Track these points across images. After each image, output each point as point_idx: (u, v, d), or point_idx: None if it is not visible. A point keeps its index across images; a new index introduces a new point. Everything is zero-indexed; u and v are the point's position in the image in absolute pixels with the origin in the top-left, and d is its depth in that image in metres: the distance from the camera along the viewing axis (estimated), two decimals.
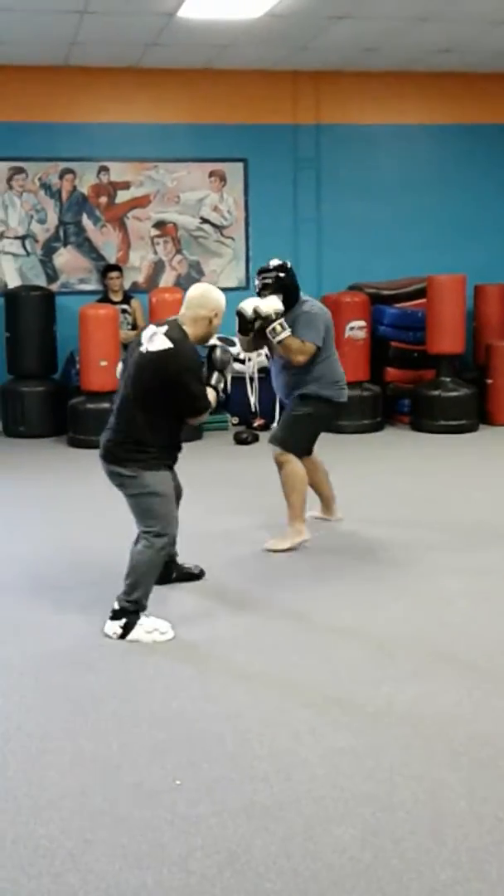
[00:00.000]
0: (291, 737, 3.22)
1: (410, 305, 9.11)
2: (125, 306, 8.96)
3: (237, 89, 9.27)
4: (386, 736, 3.23)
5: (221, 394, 4.51)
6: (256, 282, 5.29)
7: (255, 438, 8.36)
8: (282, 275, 5.16)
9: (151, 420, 4.16)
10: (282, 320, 5.07)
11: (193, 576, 4.79)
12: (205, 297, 4.27)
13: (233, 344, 8.08)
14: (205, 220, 9.50)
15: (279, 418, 8.62)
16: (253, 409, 8.87)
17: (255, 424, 8.73)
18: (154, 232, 9.43)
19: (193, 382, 4.16)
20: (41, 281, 9.16)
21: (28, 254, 9.19)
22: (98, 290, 9.15)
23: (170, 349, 4.12)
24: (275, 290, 5.12)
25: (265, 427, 8.73)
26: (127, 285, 9.18)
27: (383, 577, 4.88)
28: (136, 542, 4.21)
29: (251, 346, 5.46)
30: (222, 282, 9.43)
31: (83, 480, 7.08)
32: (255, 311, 5.10)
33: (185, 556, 4.79)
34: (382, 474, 7.21)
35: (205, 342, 4.36)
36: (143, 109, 9.21)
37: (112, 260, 9.29)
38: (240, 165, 9.48)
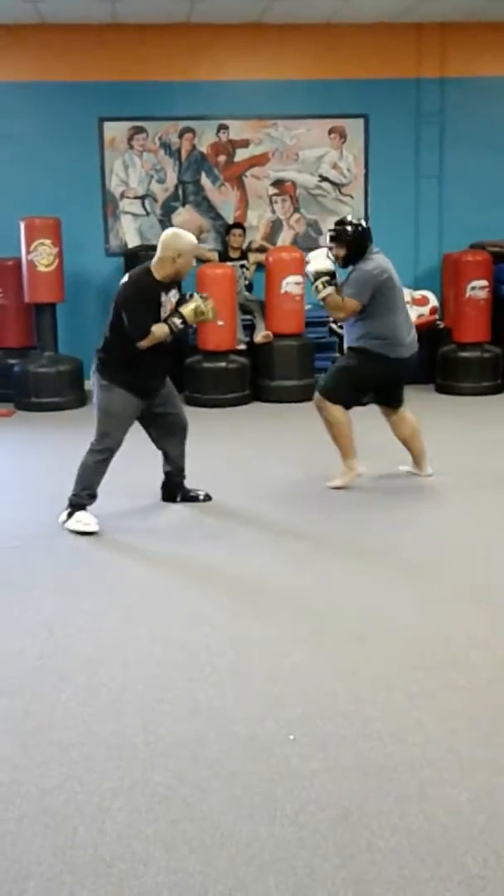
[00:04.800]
0: (405, 698, 3.20)
1: None
2: (244, 262, 8.95)
3: (359, 43, 9.09)
4: (501, 700, 3.17)
5: (176, 330, 4.94)
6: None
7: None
8: (349, 229, 5.43)
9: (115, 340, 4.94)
10: (324, 278, 5.42)
11: (196, 498, 5.38)
12: (169, 239, 4.85)
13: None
14: (324, 178, 9.40)
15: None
16: None
17: None
18: (272, 190, 9.38)
19: (132, 313, 4.82)
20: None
21: (147, 213, 9.26)
22: (216, 250, 9.17)
23: (124, 282, 4.97)
24: (339, 243, 5.42)
25: None
26: (244, 244, 9.16)
27: (501, 541, 4.78)
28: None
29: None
30: None
31: (200, 437, 7.15)
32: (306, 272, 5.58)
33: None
34: (499, 438, 7.05)
35: (176, 280, 4.95)
36: (262, 66, 9.13)
37: (230, 219, 9.28)
38: (360, 122, 9.32)
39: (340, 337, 8.92)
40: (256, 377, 8.46)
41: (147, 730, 3.03)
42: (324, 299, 5.45)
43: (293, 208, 9.43)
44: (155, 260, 4.89)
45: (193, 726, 3.05)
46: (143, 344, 4.84)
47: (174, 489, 5.41)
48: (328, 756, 2.86)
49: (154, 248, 8.83)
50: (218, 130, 9.24)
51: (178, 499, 5.39)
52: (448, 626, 3.79)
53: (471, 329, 8.54)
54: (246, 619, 3.89)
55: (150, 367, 4.96)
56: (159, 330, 4.86)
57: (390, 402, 5.70)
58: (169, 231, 4.98)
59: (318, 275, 5.45)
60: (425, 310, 8.99)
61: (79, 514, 4.93)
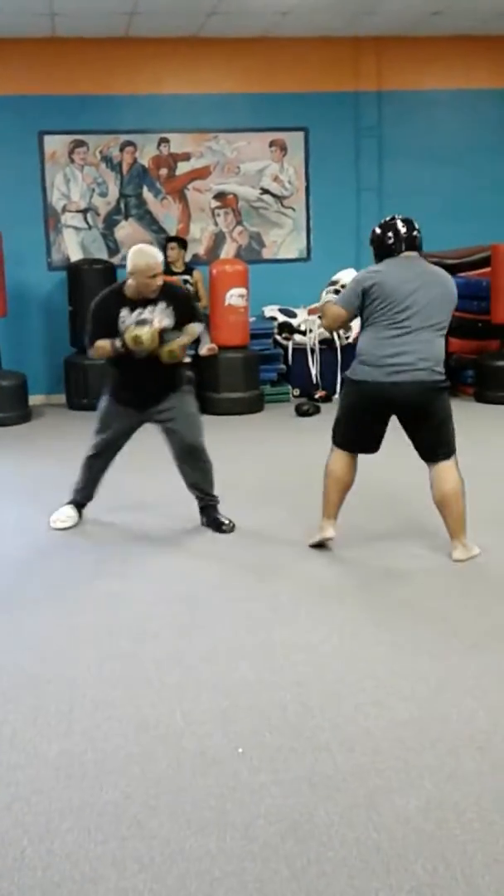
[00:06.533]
0: (354, 708, 3.21)
1: (474, 274, 8.97)
2: (186, 277, 8.96)
3: (298, 57, 9.17)
4: (450, 708, 3.20)
5: (119, 349, 4.86)
6: None
7: (317, 410, 8.33)
8: (375, 230, 4.73)
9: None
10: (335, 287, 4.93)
11: (220, 525, 5.14)
12: (131, 256, 4.83)
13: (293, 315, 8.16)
14: (265, 191, 9.45)
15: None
16: (314, 381, 8.83)
17: (317, 396, 8.70)
18: (214, 203, 9.41)
19: (86, 322, 5.07)
20: (103, 254, 9.21)
21: (90, 227, 9.23)
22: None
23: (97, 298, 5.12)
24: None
25: (327, 399, 8.69)
26: (188, 257, 9.17)
27: (442, 551, 4.83)
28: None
29: None
30: (283, 253, 9.40)
31: (144, 451, 7.12)
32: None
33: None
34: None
35: (143, 294, 4.85)
36: (203, 80, 9.17)
37: (173, 232, 9.28)
38: (300, 135, 9.40)
39: (285, 349, 8.99)
40: (202, 390, 8.46)
41: (95, 748, 3.01)
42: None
43: (236, 221, 9.47)
44: None
45: (142, 743, 3.03)
46: (91, 354, 5.03)
47: (200, 510, 5.20)
48: (277, 768, 2.86)
49: (97, 261, 8.96)
50: (159, 144, 9.25)
51: (202, 521, 5.18)
52: (395, 636, 3.82)
53: None
54: (193, 633, 3.88)
55: (133, 380, 4.98)
56: (101, 345, 4.89)
57: (417, 449, 4.66)
58: (133, 247, 4.94)
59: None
60: None
61: (60, 509, 5.23)
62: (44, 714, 3.22)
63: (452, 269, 8.99)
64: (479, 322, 8.87)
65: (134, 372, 4.94)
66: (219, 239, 9.46)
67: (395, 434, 4.68)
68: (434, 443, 4.60)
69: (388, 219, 4.75)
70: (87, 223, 9.24)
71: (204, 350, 8.50)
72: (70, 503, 5.25)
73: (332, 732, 3.06)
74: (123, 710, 3.24)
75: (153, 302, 4.89)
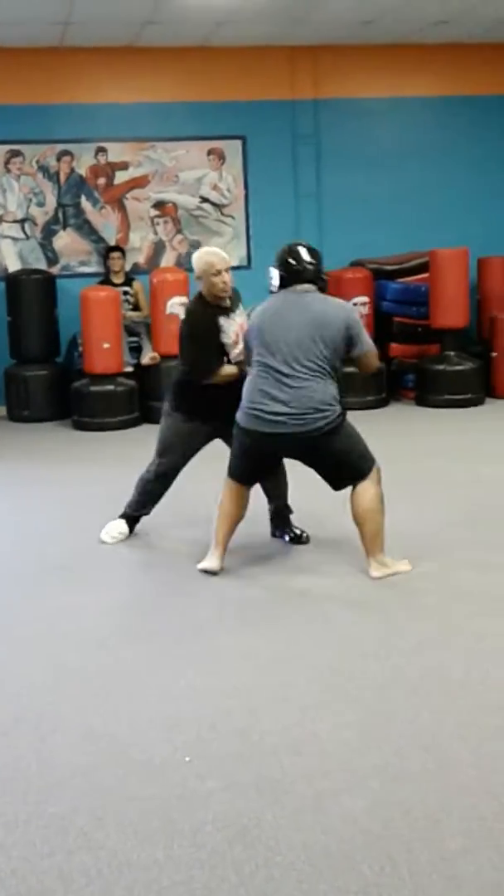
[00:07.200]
0: (299, 711, 3.22)
1: (413, 280, 9.08)
2: (127, 288, 8.94)
3: (234, 66, 9.21)
4: (394, 708, 3.23)
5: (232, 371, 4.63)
6: None
7: None
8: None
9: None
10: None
11: (296, 537, 4.94)
12: (194, 261, 4.69)
13: None
14: (204, 199, 9.46)
15: None
16: None
17: None
18: (153, 212, 9.39)
19: (186, 346, 4.67)
20: (41, 264, 9.14)
21: (27, 237, 9.16)
22: (99, 273, 9.13)
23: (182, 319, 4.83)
24: None
25: None
26: (128, 266, 9.15)
27: (389, 555, 4.86)
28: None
29: None
30: None
31: (88, 462, 7.08)
32: None
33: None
34: (387, 451, 7.18)
35: (219, 298, 4.63)
36: (139, 89, 9.16)
37: (112, 242, 9.25)
38: (238, 143, 9.43)
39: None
40: (145, 399, 8.44)
41: (41, 760, 2.98)
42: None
43: (175, 230, 9.46)
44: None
45: (88, 754, 3.01)
46: (211, 380, 4.60)
47: (274, 521, 4.99)
48: (224, 774, 2.86)
49: (35, 272, 8.89)
50: (96, 153, 9.21)
51: (276, 533, 4.98)
52: (338, 638, 3.84)
53: None
54: (138, 642, 3.87)
55: (215, 393, 4.64)
56: (228, 372, 4.61)
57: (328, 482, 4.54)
58: (198, 251, 4.79)
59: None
60: None
61: (111, 523, 5.04)
62: None
63: (391, 275, 9.13)
64: (418, 327, 8.97)
65: (216, 386, 4.64)
66: (158, 248, 9.45)
67: None
68: (335, 478, 4.49)
69: (291, 245, 4.47)
70: (25, 233, 9.16)
71: (146, 359, 8.52)
72: (122, 517, 5.04)
73: (278, 736, 3.06)
74: (69, 721, 3.21)
75: (233, 309, 4.67)
